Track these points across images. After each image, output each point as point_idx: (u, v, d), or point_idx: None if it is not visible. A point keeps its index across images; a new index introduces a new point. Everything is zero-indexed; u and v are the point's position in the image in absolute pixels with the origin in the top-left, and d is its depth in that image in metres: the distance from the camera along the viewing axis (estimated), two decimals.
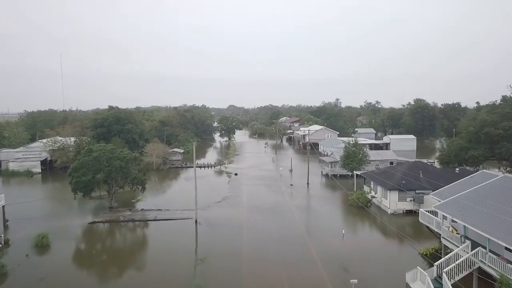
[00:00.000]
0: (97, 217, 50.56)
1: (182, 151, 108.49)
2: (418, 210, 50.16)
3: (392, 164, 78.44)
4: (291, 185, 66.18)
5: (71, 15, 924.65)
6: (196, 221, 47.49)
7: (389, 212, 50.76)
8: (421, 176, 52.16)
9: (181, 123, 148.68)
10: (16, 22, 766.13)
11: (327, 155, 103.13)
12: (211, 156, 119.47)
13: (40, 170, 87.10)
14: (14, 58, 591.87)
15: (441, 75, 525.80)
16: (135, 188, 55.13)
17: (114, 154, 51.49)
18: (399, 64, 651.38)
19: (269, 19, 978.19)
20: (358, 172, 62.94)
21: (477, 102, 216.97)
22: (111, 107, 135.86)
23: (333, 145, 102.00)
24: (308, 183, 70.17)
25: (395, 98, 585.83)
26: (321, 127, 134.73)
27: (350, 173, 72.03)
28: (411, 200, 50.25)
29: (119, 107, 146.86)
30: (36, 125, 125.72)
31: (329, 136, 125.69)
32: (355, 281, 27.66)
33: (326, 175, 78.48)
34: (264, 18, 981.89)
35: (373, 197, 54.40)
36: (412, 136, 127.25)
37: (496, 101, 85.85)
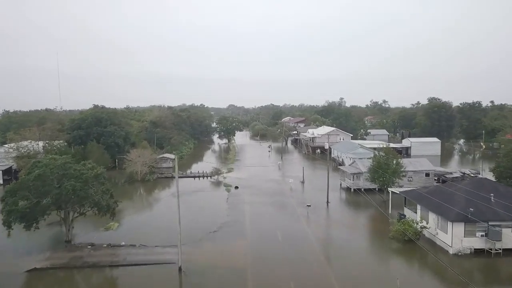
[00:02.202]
0: (43, 258, 36.12)
1: (174, 156, 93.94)
2: (493, 249, 36.25)
3: (428, 176, 64.13)
4: (308, 205, 51.68)
5: (71, 15, 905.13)
6: (180, 269, 33.02)
7: (451, 252, 36.30)
8: (492, 200, 37.77)
9: (176, 124, 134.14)
10: (16, 22, 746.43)
11: (342, 162, 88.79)
12: (208, 160, 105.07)
13: (1, 181, 72.67)
14: (14, 58, 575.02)
15: (442, 75, 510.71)
16: (101, 214, 40.71)
17: (68, 170, 36.99)
18: (400, 63, 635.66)
19: (269, 19, 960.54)
20: (396, 190, 48.57)
21: (492, 101, 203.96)
22: (96, 106, 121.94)
23: (350, 150, 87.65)
24: (327, 201, 55.79)
25: (395, 98, 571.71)
26: (332, 128, 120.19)
27: (378, 188, 57.99)
28: (482, 236, 35.87)
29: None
30: (12, 126, 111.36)
31: (342, 139, 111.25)
32: None
33: (347, 189, 64.13)
34: (264, 18, 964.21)
35: (424, 227, 39.95)
36: (435, 139, 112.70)
37: None
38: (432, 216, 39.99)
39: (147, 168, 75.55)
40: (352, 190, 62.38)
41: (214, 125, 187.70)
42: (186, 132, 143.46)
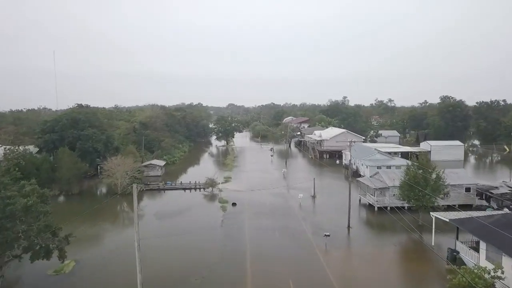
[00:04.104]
0: None
1: (163, 163, 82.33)
2: None
3: (469, 191, 52.44)
4: (326, 235, 39.78)
5: (71, 15, 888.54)
6: None
7: None
8: None
9: (169, 125, 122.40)
10: (16, 22, 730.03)
11: (357, 170, 77.17)
12: (203, 166, 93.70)
13: None
14: (14, 58, 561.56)
15: (443, 75, 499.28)
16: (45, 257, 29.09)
17: None
18: (400, 63, 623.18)
19: (269, 19, 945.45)
20: (444, 217, 36.86)
21: (504, 100, 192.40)
22: (80, 106, 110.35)
23: (366, 155, 76.09)
24: (349, 226, 44.13)
25: (395, 97, 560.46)
26: (342, 130, 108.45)
27: (408, 206, 46.62)
28: None
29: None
30: None
31: (353, 142, 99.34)
32: None
33: (370, 207, 52.50)
34: (264, 18, 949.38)
35: (497, 278, 28.24)
36: (458, 142, 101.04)
37: None
38: (508, 262, 28.31)
39: (129, 179, 63.68)
40: (376, 208, 50.80)
41: (211, 125, 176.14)
42: (181, 133, 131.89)
